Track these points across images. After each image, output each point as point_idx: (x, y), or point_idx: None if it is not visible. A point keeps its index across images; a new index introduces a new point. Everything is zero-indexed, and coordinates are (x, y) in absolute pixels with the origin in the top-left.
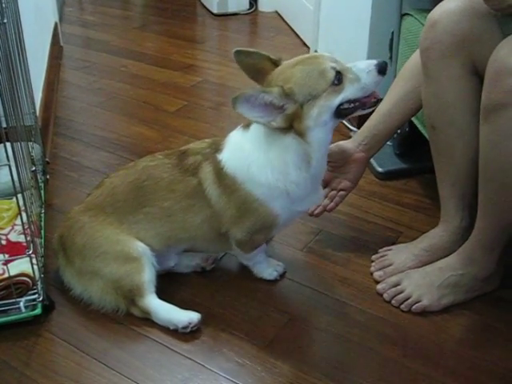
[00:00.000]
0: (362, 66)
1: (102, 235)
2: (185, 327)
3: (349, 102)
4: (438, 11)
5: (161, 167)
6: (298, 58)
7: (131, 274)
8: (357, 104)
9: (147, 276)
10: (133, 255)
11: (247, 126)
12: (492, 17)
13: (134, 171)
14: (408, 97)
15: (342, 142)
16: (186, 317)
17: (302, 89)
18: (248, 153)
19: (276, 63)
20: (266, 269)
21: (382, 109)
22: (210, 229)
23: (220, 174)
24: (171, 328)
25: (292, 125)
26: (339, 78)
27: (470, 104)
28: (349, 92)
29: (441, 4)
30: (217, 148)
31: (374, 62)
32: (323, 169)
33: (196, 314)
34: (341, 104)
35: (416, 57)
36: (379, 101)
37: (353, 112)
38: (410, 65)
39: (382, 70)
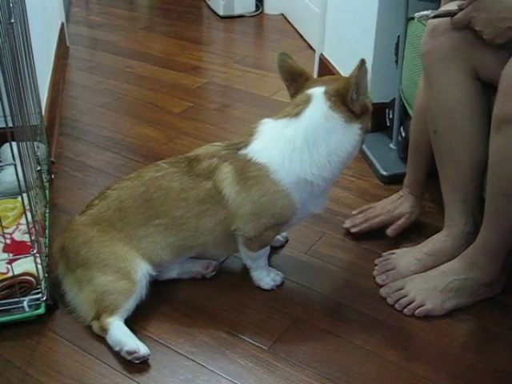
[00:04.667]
0: None
1: (110, 250)
2: (130, 352)
3: None
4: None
5: (169, 177)
6: None
7: (120, 293)
8: None
9: (130, 304)
10: (132, 277)
11: (296, 114)
12: None
13: (141, 183)
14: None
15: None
16: (135, 344)
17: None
18: (289, 141)
19: (308, 77)
20: (265, 277)
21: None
22: (222, 231)
23: (245, 167)
24: (116, 349)
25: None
26: None
27: (471, 108)
28: None
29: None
30: (238, 147)
31: None
32: None
33: (146, 349)
34: None
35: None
36: None
37: None
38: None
39: None
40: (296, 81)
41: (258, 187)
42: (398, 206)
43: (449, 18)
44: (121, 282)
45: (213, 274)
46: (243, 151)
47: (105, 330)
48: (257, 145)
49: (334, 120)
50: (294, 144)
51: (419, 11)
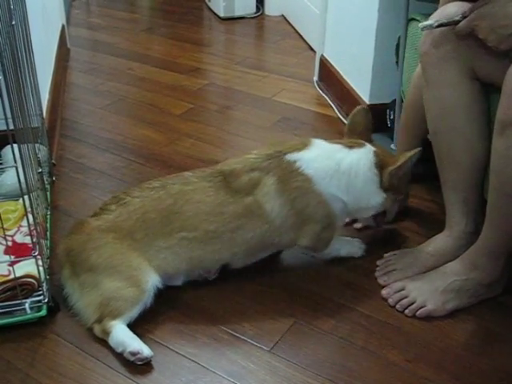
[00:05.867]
0: None
1: (123, 258)
2: (133, 353)
3: None
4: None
5: (201, 191)
6: None
7: (126, 300)
8: None
9: (135, 311)
10: (141, 286)
11: (350, 147)
12: None
13: (167, 195)
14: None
15: None
16: (138, 345)
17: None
18: (337, 162)
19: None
20: (351, 248)
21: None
22: (257, 243)
23: (289, 178)
24: (119, 350)
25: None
26: None
27: (470, 108)
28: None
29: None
30: (285, 151)
31: None
32: None
33: (149, 350)
34: None
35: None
36: None
37: None
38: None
39: None
40: (358, 134)
41: (302, 199)
42: None
43: (452, 26)
44: (129, 289)
45: (215, 276)
46: (291, 156)
47: (107, 332)
48: (307, 154)
49: (371, 174)
50: (339, 166)
51: (419, 12)
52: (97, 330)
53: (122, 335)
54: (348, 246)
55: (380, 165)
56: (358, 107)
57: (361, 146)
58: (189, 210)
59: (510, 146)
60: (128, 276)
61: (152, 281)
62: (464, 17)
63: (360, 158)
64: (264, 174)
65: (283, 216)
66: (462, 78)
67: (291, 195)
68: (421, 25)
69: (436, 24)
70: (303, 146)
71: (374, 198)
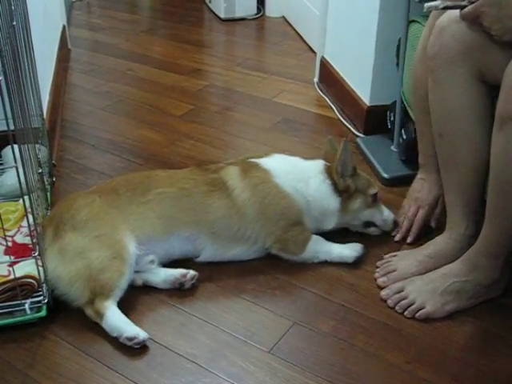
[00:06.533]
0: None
1: (107, 217)
2: (129, 338)
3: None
4: (446, 18)
5: (179, 171)
6: None
7: (115, 272)
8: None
9: (124, 283)
10: (124, 255)
11: (305, 160)
12: None
13: (149, 171)
14: None
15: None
16: (134, 330)
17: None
18: (293, 165)
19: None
20: (341, 252)
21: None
22: (226, 227)
23: (250, 168)
24: (114, 335)
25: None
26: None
27: (477, 111)
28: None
29: (449, 11)
30: (246, 157)
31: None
32: None
33: (144, 333)
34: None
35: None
36: None
37: None
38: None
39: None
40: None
41: (262, 187)
42: (427, 191)
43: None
44: (113, 260)
45: (192, 283)
46: (252, 159)
47: (100, 314)
48: (267, 159)
49: (323, 177)
50: (294, 168)
51: (420, 14)
52: (89, 312)
53: (116, 320)
54: (339, 250)
55: (330, 172)
56: (326, 139)
57: (316, 160)
58: (166, 175)
59: (509, 141)
60: (112, 242)
61: (132, 247)
62: (471, 2)
63: (312, 164)
64: (228, 164)
65: (246, 201)
66: (469, 80)
67: (251, 181)
68: (427, 5)
69: (442, 6)
70: (265, 155)
71: (329, 202)
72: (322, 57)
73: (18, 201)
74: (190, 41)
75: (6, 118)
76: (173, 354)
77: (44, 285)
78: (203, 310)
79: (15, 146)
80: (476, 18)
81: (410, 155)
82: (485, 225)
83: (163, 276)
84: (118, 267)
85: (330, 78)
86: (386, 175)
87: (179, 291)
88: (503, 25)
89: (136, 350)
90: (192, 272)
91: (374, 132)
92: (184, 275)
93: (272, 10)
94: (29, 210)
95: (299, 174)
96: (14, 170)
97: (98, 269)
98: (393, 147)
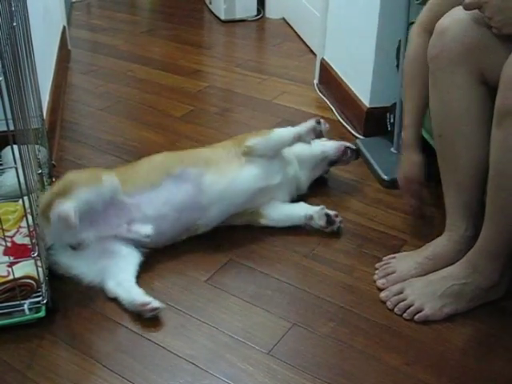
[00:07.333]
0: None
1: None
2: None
3: None
4: (447, 19)
5: None
6: None
7: (83, 179)
8: None
9: (87, 193)
10: (100, 177)
11: None
12: None
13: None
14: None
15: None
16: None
17: None
18: None
19: None
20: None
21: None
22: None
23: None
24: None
25: None
26: None
27: (478, 113)
28: None
29: (450, 12)
30: None
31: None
32: None
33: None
34: None
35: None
36: None
37: None
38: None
39: None
40: None
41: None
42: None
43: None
44: (89, 174)
45: (151, 315)
46: None
47: (52, 207)
48: None
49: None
50: None
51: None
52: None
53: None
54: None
55: None
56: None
57: None
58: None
59: (508, 136)
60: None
61: (112, 179)
62: None
63: None
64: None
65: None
66: (471, 81)
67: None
68: None
69: None
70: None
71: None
72: (322, 58)
73: (17, 201)
74: (190, 42)
75: (6, 119)
76: (171, 355)
77: (43, 285)
78: (202, 312)
79: (15, 147)
80: (479, 7)
81: None
82: (484, 224)
83: (130, 298)
84: (89, 178)
85: (329, 80)
86: (385, 177)
87: (178, 291)
88: (504, 17)
89: (136, 350)
90: (156, 303)
91: (374, 134)
92: (144, 305)
93: (272, 11)
94: (28, 210)
95: None
96: (13, 170)
97: (70, 178)
98: (392, 149)
